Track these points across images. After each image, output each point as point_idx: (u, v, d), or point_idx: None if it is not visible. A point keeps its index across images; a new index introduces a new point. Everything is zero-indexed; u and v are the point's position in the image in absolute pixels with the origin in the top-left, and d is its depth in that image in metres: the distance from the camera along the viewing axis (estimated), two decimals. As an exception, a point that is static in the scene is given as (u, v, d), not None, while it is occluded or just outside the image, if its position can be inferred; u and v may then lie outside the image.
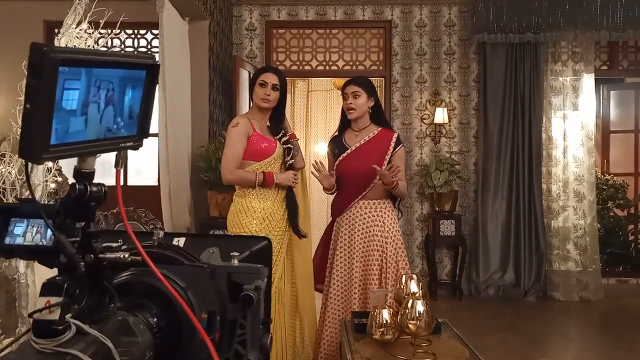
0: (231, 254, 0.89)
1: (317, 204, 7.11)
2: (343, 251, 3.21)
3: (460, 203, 5.91)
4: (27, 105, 0.62)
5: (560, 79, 5.88)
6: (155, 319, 0.79)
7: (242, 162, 3.01)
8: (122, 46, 5.84)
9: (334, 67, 6.11)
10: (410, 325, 2.13)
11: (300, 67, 6.12)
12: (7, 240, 0.78)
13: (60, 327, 0.66)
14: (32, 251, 0.74)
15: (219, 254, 0.92)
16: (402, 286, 2.38)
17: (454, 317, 2.68)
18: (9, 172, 1.84)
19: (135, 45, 5.93)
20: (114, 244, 0.78)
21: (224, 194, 4.63)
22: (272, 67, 3.98)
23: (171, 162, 4.21)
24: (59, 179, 2.34)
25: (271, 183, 3.00)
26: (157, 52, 5.77)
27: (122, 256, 0.75)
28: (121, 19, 2.34)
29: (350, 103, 3.18)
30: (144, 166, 6.03)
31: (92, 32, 2.16)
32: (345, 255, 3.21)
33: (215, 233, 4.48)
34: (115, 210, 3.52)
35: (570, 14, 5.59)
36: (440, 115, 5.84)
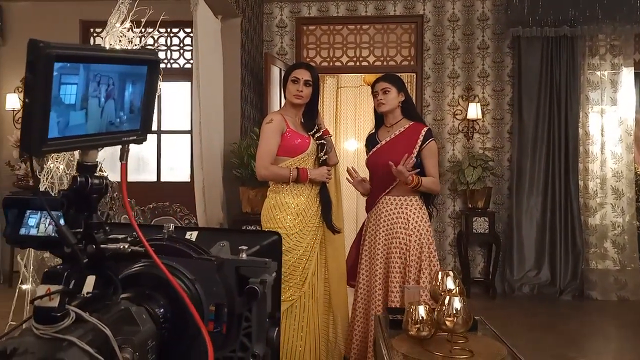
0: (239, 247, 0.89)
1: (347, 201, 7.09)
2: (368, 247, 3.22)
3: (494, 200, 5.82)
4: (26, 100, 0.64)
5: (598, 73, 5.73)
6: (162, 310, 0.80)
7: (276, 158, 3.03)
8: (155, 44, 5.94)
9: (364, 63, 6.09)
10: (447, 322, 2.10)
11: (331, 64, 6.11)
12: (22, 231, 0.81)
13: (59, 314, 0.67)
14: (44, 242, 0.76)
15: (229, 247, 0.93)
16: (438, 283, 2.35)
17: (488, 316, 2.62)
18: (57, 167, 1.88)
19: (168, 43, 6.02)
20: (120, 236, 0.79)
21: (256, 190, 4.66)
22: (304, 63, 3.99)
23: (205, 158, 4.25)
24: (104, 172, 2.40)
25: (305, 179, 3.01)
26: (190, 50, 5.85)
27: (122, 247, 0.77)
28: (161, 17, 2.37)
29: (381, 99, 3.17)
30: (176, 163, 6.12)
31: (128, 30, 2.20)
32: (369, 251, 3.21)
33: (246, 228, 4.52)
34: (152, 205, 3.58)
35: (609, 6, 5.44)
36: (474, 110, 5.76)
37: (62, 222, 0.77)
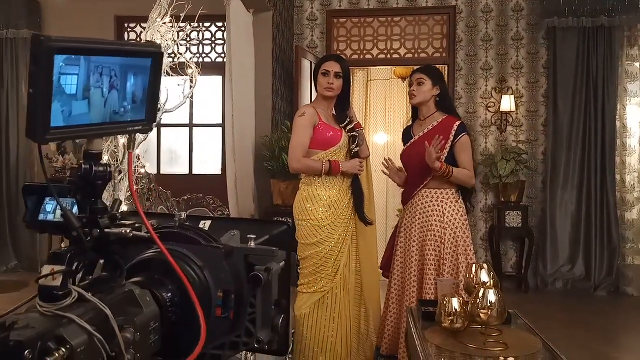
0: (248, 236, 0.92)
1: (377, 196, 7.07)
2: (403, 240, 3.22)
3: (527, 194, 5.73)
4: (30, 91, 0.67)
5: (637, 64, 5.59)
6: (169, 294, 0.82)
7: (309, 151, 3.05)
8: (187, 39, 6.01)
9: (395, 56, 6.04)
10: (481, 315, 2.09)
11: (361, 56, 6.09)
12: (41, 217, 0.86)
13: (61, 293, 0.70)
14: (59, 227, 0.80)
15: (239, 236, 0.95)
16: (472, 275, 2.34)
17: (520, 311, 2.60)
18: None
19: (200, 37, 6.08)
20: (129, 222, 0.83)
21: (287, 183, 4.70)
22: (334, 55, 3.98)
23: (237, 151, 4.31)
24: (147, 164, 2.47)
25: (337, 171, 3.02)
26: (221, 44, 5.91)
27: (124, 232, 0.80)
28: (199, 12, 2.41)
29: (413, 90, 3.15)
30: (208, 156, 6.19)
31: (164, 24, 2.24)
32: (403, 244, 3.21)
33: (277, 220, 4.56)
34: (186, 197, 3.64)
35: (649, -6, 5.29)
36: (507, 103, 5.67)
37: (75, 208, 0.81)
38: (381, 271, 3.41)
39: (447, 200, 3.10)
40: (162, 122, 2.51)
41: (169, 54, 2.30)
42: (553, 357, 2.13)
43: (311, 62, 5.41)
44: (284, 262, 0.92)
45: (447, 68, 5.93)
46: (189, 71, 2.37)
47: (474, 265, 2.37)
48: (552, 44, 5.62)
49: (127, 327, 0.72)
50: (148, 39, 2.11)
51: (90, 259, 0.81)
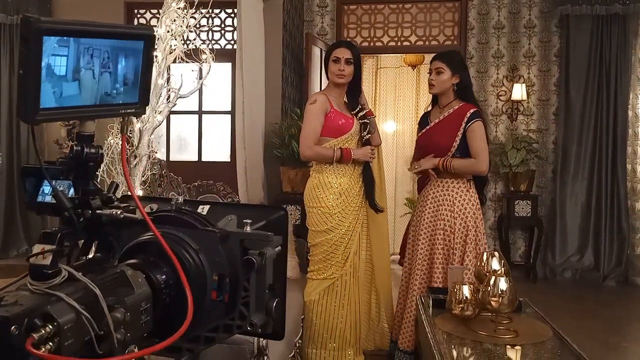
0: (244, 221, 0.92)
1: (387, 183, 7.07)
2: (413, 228, 3.23)
3: (537, 183, 5.70)
4: (20, 72, 0.68)
5: (651, 52, 5.51)
6: (164, 277, 0.84)
7: (320, 139, 3.04)
8: (197, 25, 5.99)
9: (406, 43, 6.00)
10: (492, 302, 2.10)
11: (371, 44, 6.05)
12: (39, 199, 0.87)
13: (51, 272, 0.71)
14: (55, 208, 0.81)
15: (236, 221, 0.96)
16: (483, 264, 2.34)
17: (529, 300, 2.60)
18: (117, 144, 1.95)
19: (210, 24, 6.06)
20: (123, 204, 0.84)
21: (296, 170, 4.69)
22: (344, 41, 3.95)
23: (246, 138, 4.30)
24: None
25: (348, 159, 3.02)
26: (231, 31, 5.89)
27: (114, 212, 0.81)
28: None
29: (432, 79, 3.11)
30: (216, 143, 6.20)
31: (179, 9, 2.24)
32: (414, 232, 3.21)
33: (286, 207, 4.57)
34: (197, 184, 3.65)
35: (664, -18, 5.21)
36: (518, 91, 5.63)
37: (72, 190, 0.82)
38: (398, 257, 3.41)
39: (458, 189, 3.08)
40: (172, 109, 2.53)
41: (183, 40, 2.30)
42: (563, 344, 2.14)
43: (321, 49, 5.38)
44: (279, 247, 0.93)
45: (457, 56, 5.88)
46: (203, 57, 2.37)
47: (485, 254, 2.37)
48: (565, 32, 5.56)
49: (118, 307, 0.73)
50: (163, 24, 2.11)
51: (85, 240, 0.82)
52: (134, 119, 2.05)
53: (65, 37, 0.70)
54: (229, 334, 0.92)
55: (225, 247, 0.89)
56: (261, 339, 2.05)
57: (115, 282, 0.77)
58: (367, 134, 3.11)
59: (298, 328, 3.02)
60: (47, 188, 0.86)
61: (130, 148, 2.00)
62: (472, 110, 3.07)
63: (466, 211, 3.05)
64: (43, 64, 0.68)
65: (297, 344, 2.97)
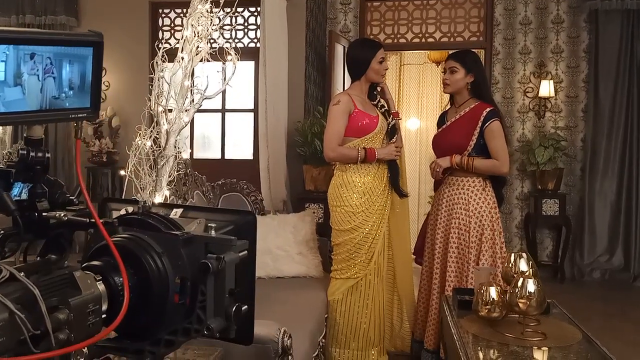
0: (208, 225, 0.93)
1: (410, 182, 7.02)
2: (430, 227, 3.21)
3: (565, 181, 5.59)
4: None
5: (683, 48, 5.35)
6: (121, 279, 0.85)
7: (344, 139, 3.03)
8: (220, 23, 6.01)
9: (430, 40, 5.92)
10: (520, 304, 2.06)
11: (395, 40, 5.99)
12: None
13: None
14: (4, 210, 0.82)
15: (204, 225, 0.96)
16: (510, 265, 2.30)
17: (556, 301, 2.55)
18: (144, 144, 1.96)
19: (233, 22, 6.07)
20: (76, 207, 0.86)
21: (319, 169, 4.69)
22: (378, 42, 3.93)
23: (269, 137, 4.31)
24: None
25: (372, 159, 3.00)
26: (254, 30, 5.90)
27: (57, 215, 0.83)
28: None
29: (446, 79, 3.09)
30: (240, 140, 6.22)
31: (205, 11, 2.24)
32: (431, 231, 3.20)
33: (309, 206, 4.56)
34: (220, 182, 3.66)
35: (699, -26, 5.05)
36: (546, 88, 5.51)
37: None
38: (414, 257, 3.39)
39: (473, 188, 3.04)
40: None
41: (208, 40, 2.31)
42: (592, 347, 2.09)
43: (344, 47, 5.35)
44: (245, 252, 0.94)
45: (483, 52, 5.79)
46: (229, 57, 2.38)
47: (512, 255, 2.32)
48: (594, 27, 5.43)
49: (62, 308, 0.75)
50: (189, 26, 2.12)
51: (31, 241, 0.84)
52: (163, 122, 2.08)
53: (6, 45, 0.73)
54: (187, 337, 0.93)
55: (188, 251, 0.90)
56: (285, 339, 2.04)
57: (61, 283, 0.79)
58: (392, 139, 3.13)
59: (322, 327, 3.01)
60: (15, 190, 0.89)
61: (157, 149, 2.02)
62: (488, 109, 3.02)
63: (482, 210, 3.01)
64: None
65: (321, 343, 2.96)
